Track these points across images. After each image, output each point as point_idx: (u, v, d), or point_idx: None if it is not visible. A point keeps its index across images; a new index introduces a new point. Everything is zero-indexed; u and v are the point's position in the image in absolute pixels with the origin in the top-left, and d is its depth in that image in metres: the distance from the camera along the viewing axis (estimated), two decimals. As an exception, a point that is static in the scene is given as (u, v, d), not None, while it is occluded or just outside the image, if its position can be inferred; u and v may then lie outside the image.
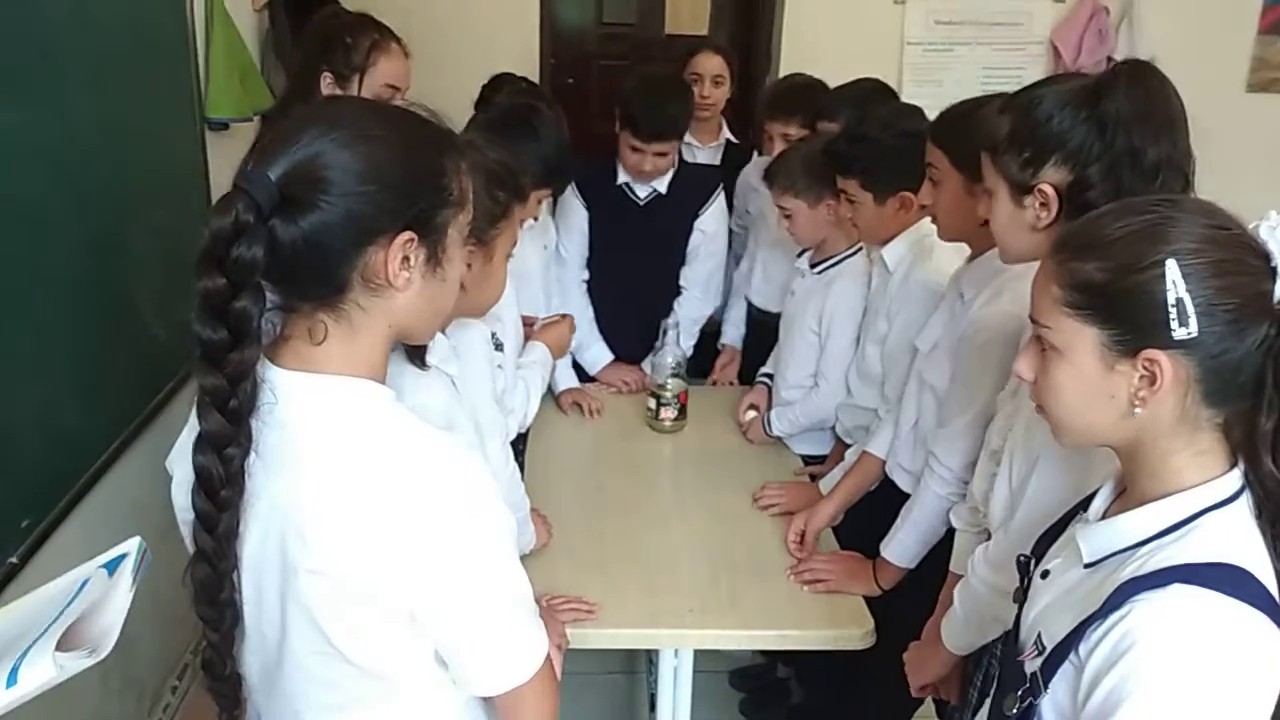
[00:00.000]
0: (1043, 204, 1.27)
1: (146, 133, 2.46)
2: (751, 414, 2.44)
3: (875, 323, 2.05)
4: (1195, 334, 0.91)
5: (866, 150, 1.92)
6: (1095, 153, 1.22)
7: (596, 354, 2.70)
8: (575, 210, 2.63)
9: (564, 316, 2.20)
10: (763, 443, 2.38)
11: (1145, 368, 0.94)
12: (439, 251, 1.00)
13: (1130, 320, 0.94)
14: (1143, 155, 1.20)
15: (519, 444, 2.17)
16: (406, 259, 0.96)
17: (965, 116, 1.62)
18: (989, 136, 1.33)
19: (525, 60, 4.34)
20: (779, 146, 2.55)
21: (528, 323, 2.13)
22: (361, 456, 0.95)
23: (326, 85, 2.15)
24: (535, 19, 4.39)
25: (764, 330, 2.68)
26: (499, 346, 1.68)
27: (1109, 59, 4.42)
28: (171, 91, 2.66)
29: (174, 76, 2.68)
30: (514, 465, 1.70)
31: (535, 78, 4.35)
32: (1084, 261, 0.97)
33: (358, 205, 0.92)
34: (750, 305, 2.76)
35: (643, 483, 2.19)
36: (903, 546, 1.77)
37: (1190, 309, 0.90)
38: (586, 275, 2.70)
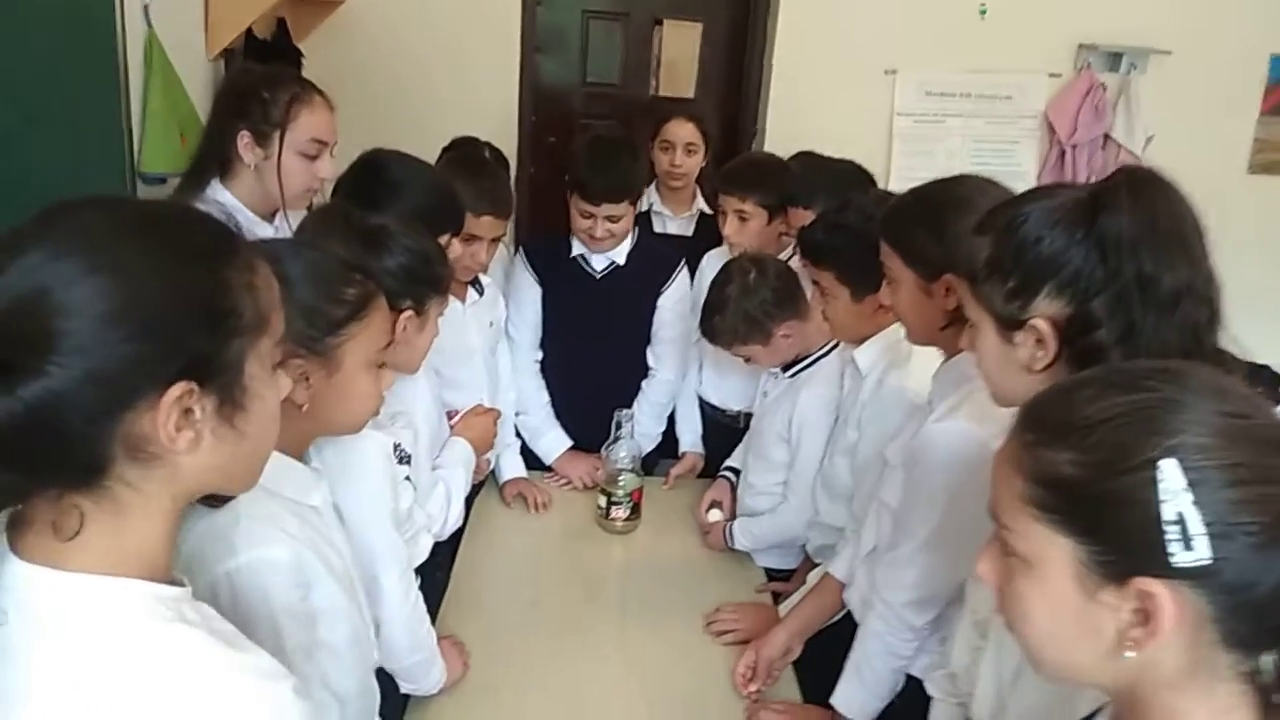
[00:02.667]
0: (1038, 341, 1.05)
1: (65, 186, 2.27)
2: (715, 514, 2.21)
3: (844, 431, 1.83)
4: (1206, 560, 0.67)
5: (845, 242, 1.72)
6: (1097, 281, 1.00)
7: (552, 442, 2.46)
8: (527, 285, 2.41)
9: (488, 410, 1.98)
10: (723, 550, 2.14)
11: (1137, 600, 0.70)
12: (236, 393, 0.77)
13: (1115, 536, 0.71)
14: (1157, 283, 0.98)
15: (452, 543, 1.94)
16: (189, 412, 0.73)
17: (913, 210, 1.43)
18: (966, 261, 1.12)
19: (505, 118, 4.18)
20: (733, 223, 2.37)
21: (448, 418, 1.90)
22: (109, 699, 0.69)
23: (244, 145, 1.93)
24: (515, 76, 4.24)
25: (720, 429, 2.46)
26: (405, 459, 1.45)
27: (1105, 137, 4.29)
28: (98, 143, 2.47)
29: (102, 128, 2.49)
30: (416, 599, 1.46)
31: (515, 135, 4.21)
32: (1055, 449, 0.74)
33: (104, 362, 0.68)
34: (703, 402, 2.53)
35: (583, 598, 1.95)
36: (849, 695, 1.53)
37: (1198, 527, 0.67)
38: (540, 355, 2.47)
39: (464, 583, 1.95)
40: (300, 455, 1.19)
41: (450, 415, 1.93)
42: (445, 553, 1.90)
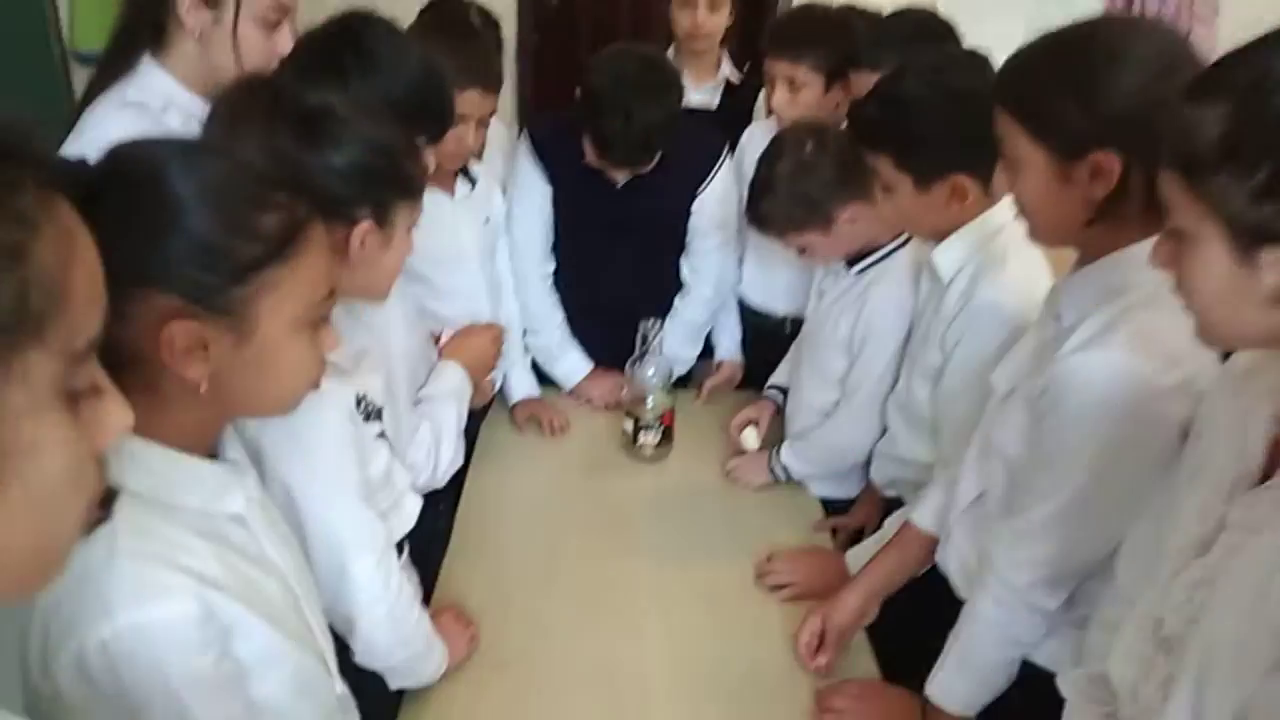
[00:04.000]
0: None
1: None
2: (750, 436, 1.89)
3: (924, 352, 1.49)
4: None
5: (903, 117, 1.36)
6: None
7: (571, 365, 2.11)
8: (534, 182, 1.99)
9: (486, 326, 1.64)
10: (764, 485, 1.83)
11: None
12: None
13: None
14: None
15: (454, 484, 1.63)
16: None
17: (1046, 66, 1.05)
18: (1179, 141, 0.75)
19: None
20: (783, 92, 1.96)
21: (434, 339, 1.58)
22: None
23: (187, 7, 1.52)
24: (509, -74, 3.72)
25: (762, 336, 2.11)
26: (374, 414, 1.13)
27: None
28: (19, 17, 2.09)
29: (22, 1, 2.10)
30: (400, 585, 1.16)
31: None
32: None
33: None
34: (743, 304, 2.15)
35: (610, 546, 1.66)
36: (950, 687, 1.24)
37: None
38: (552, 266, 2.09)
39: (469, 534, 1.66)
40: (210, 447, 0.87)
41: (436, 338, 1.60)
42: (447, 498, 1.61)
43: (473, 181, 1.86)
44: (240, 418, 0.90)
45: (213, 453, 0.88)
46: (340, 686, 1.00)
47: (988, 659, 1.19)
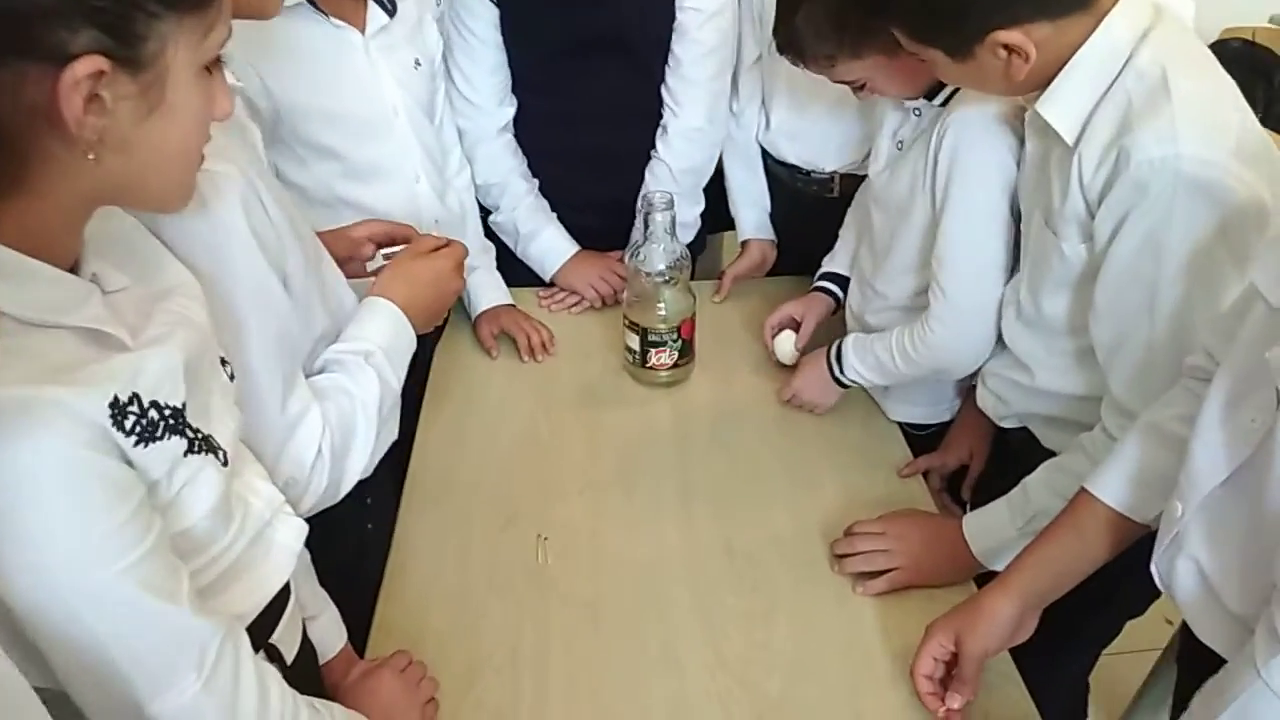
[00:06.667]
0: None
1: None
2: (786, 344, 1.40)
3: (1053, 245, 0.95)
4: None
5: None
6: None
7: (549, 245, 1.59)
8: (476, 7, 1.44)
9: (450, 243, 1.09)
10: (815, 406, 1.34)
11: None
12: None
13: None
14: None
15: (392, 466, 1.12)
16: None
17: None
18: None
19: None
20: None
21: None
22: None
23: None
24: None
25: (800, 202, 1.55)
26: (163, 422, 0.59)
27: None
28: None
29: None
30: (256, 686, 0.64)
31: None
32: None
33: None
34: (772, 161, 1.57)
35: (623, 520, 1.18)
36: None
37: None
38: (512, 111, 1.54)
39: (418, 528, 1.17)
40: None
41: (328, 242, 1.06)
42: (380, 487, 1.09)
43: (392, 8, 1.29)
44: None
45: None
46: None
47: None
